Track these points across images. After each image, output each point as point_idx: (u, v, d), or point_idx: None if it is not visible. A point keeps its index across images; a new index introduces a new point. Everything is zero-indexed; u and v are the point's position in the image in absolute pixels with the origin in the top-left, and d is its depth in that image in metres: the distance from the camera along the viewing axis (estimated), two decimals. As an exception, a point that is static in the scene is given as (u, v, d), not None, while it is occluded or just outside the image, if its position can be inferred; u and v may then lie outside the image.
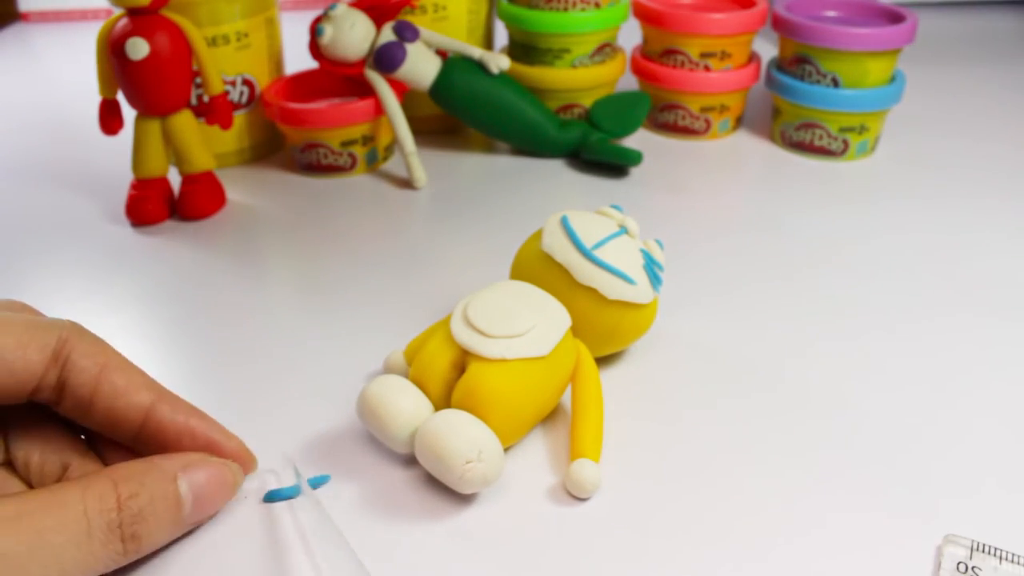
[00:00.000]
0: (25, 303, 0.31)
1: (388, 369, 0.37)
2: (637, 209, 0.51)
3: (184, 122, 0.50)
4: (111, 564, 0.26)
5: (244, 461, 0.31)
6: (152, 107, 0.49)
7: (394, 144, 0.59)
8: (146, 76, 0.47)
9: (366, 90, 0.56)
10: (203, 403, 0.36)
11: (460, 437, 0.30)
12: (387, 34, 0.54)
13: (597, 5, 0.58)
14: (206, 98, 0.50)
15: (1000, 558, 0.29)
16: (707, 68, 0.59)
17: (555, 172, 0.57)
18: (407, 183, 0.55)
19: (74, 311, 0.42)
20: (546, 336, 0.33)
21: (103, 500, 0.26)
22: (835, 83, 0.56)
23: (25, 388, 0.28)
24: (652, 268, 0.36)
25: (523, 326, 0.32)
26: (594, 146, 0.57)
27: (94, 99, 0.51)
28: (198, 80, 0.53)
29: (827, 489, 0.32)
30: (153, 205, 0.50)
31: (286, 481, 0.32)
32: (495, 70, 0.55)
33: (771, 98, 0.61)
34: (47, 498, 0.25)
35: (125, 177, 0.52)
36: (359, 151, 0.56)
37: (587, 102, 0.60)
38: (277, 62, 0.58)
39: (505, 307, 0.33)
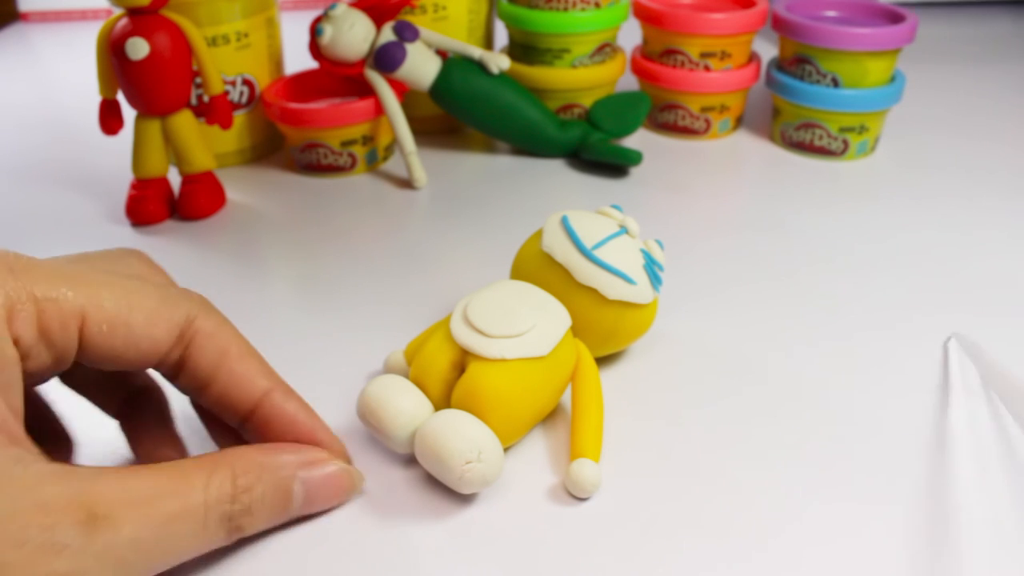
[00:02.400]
0: (148, 257, 0.31)
1: (388, 369, 0.37)
2: (637, 209, 0.51)
3: (184, 122, 0.50)
4: (209, 548, 0.27)
5: (349, 478, 0.31)
6: (152, 107, 0.49)
7: (394, 144, 0.59)
8: (146, 76, 0.47)
9: (366, 90, 0.56)
10: (203, 403, 0.36)
11: (460, 437, 0.30)
12: (387, 34, 0.54)
13: (597, 5, 0.58)
14: (206, 98, 0.50)
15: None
16: (707, 68, 0.59)
17: (555, 172, 0.57)
18: (407, 183, 0.55)
19: (74, 311, 0.42)
20: (546, 336, 0.33)
21: (221, 489, 0.26)
22: (835, 83, 0.56)
23: (146, 364, 0.28)
24: (652, 268, 0.36)
25: (523, 326, 0.32)
26: (594, 146, 0.57)
27: (94, 99, 0.51)
28: (198, 80, 0.53)
29: (828, 489, 0.32)
30: (153, 205, 0.50)
31: None
32: (495, 70, 0.55)
33: (771, 98, 0.61)
34: (174, 481, 0.25)
35: (125, 177, 0.52)
36: (359, 151, 0.56)
37: (587, 102, 0.60)
38: (277, 62, 0.58)
39: (505, 307, 0.33)
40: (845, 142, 0.58)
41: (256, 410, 0.29)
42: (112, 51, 0.47)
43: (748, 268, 0.46)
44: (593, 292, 0.35)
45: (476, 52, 0.55)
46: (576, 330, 0.35)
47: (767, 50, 0.68)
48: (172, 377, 0.29)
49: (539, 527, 0.30)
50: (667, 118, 0.62)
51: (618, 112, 0.59)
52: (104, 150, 0.58)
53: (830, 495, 0.31)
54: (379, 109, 0.54)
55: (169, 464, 0.26)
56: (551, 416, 0.35)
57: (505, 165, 0.58)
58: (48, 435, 0.31)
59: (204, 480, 0.26)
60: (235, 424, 0.30)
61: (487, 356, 0.32)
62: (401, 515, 0.31)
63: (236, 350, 0.29)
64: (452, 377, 0.33)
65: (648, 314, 0.37)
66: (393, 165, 0.58)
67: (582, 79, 0.59)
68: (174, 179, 0.52)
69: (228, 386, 0.29)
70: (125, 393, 0.32)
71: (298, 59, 0.60)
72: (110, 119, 0.51)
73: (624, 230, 0.37)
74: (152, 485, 0.25)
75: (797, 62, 0.57)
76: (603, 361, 0.38)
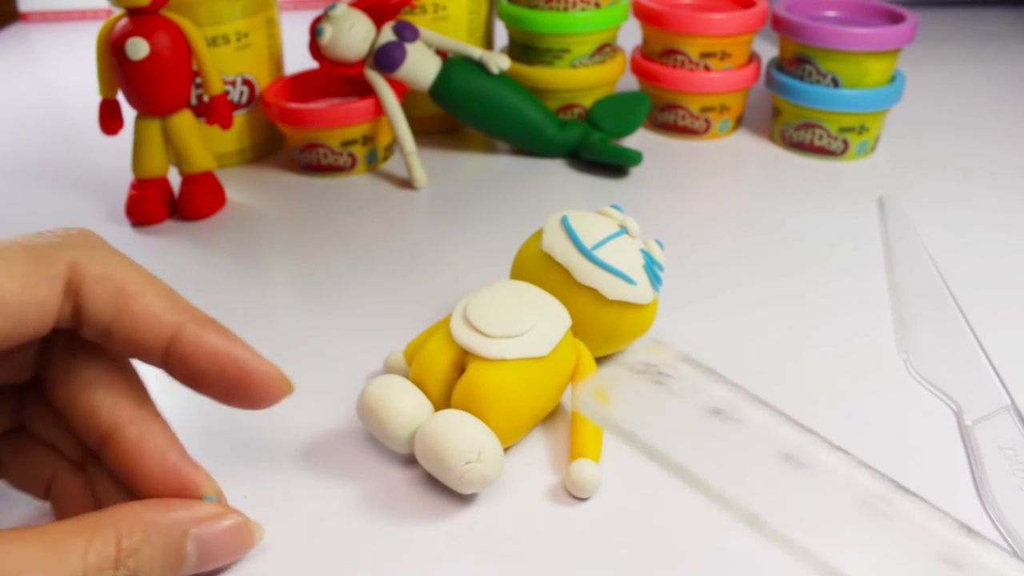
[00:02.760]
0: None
1: (388, 369, 0.37)
2: (637, 209, 0.51)
3: (184, 122, 0.50)
4: None
5: (278, 387, 0.28)
6: (152, 107, 0.49)
7: (394, 144, 0.59)
8: (146, 76, 0.47)
9: (366, 90, 0.56)
10: (203, 402, 0.36)
11: (460, 437, 0.30)
12: (387, 34, 0.54)
13: (597, 5, 0.58)
14: (206, 98, 0.50)
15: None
16: (707, 68, 0.59)
17: (555, 172, 0.57)
18: (407, 183, 0.55)
19: (74, 311, 0.42)
20: (546, 336, 0.33)
21: (103, 554, 0.24)
22: (835, 83, 0.56)
23: (41, 331, 0.25)
24: (652, 268, 0.36)
25: (523, 326, 0.32)
26: (594, 146, 0.57)
27: (94, 99, 0.51)
28: (198, 80, 0.53)
29: (828, 489, 0.32)
30: (153, 205, 0.50)
31: None
32: (495, 70, 0.55)
33: (771, 98, 0.61)
34: (47, 550, 0.23)
35: (125, 177, 0.52)
36: (359, 151, 0.56)
37: (587, 102, 0.60)
38: (277, 62, 0.58)
39: (505, 307, 0.33)
40: (845, 142, 0.58)
41: (171, 348, 0.26)
42: (112, 51, 0.47)
43: (748, 268, 0.46)
44: (593, 292, 0.35)
45: (476, 52, 0.55)
46: (576, 330, 0.35)
47: (767, 50, 0.68)
48: (77, 329, 0.26)
49: (539, 527, 0.30)
50: (667, 118, 0.62)
51: (618, 112, 0.59)
52: (104, 150, 0.58)
53: (830, 495, 0.31)
54: (379, 109, 0.54)
55: (43, 528, 0.23)
56: (551, 416, 0.35)
57: (505, 165, 0.58)
58: None
59: (83, 546, 0.23)
60: (158, 367, 0.27)
61: (487, 356, 0.32)
62: (401, 515, 0.31)
63: (133, 287, 0.26)
64: (452, 377, 0.33)
65: (648, 314, 0.37)
66: (393, 165, 0.58)
67: (582, 79, 0.59)
68: (174, 179, 0.52)
69: (133, 328, 0.26)
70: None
71: (298, 59, 0.60)
72: (110, 119, 0.51)
73: (624, 230, 0.37)
74: (20, 556, 0.22)
75: (797, 62, 0.57)
76: (603, 361, 0.38)
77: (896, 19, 0.57)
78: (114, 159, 0.57)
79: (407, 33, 0.54)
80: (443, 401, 0.32)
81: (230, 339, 0.27)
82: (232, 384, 0.28)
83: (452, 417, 0.30)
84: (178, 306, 0.27)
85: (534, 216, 0.51)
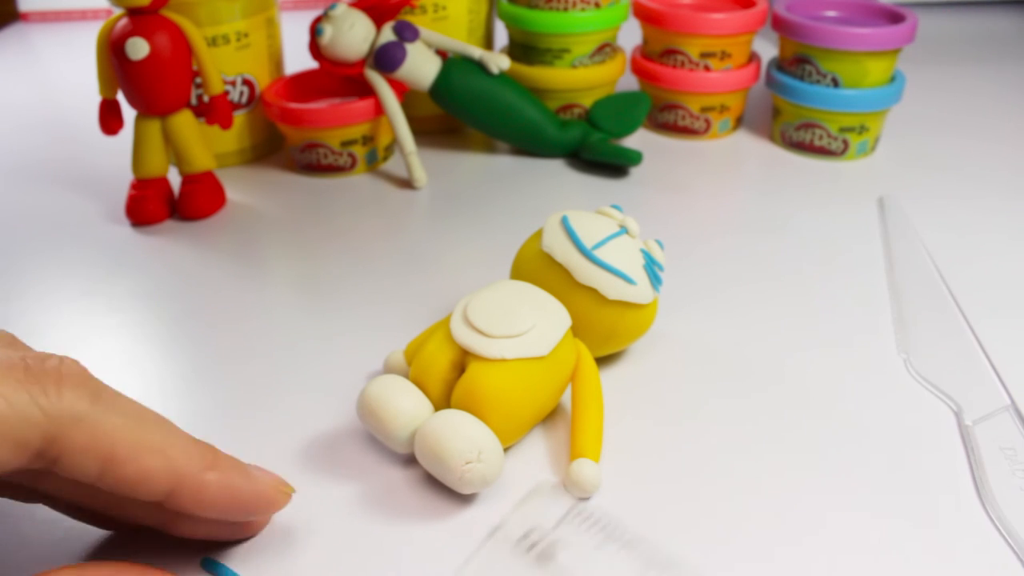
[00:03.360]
0: (14, 338, 0.26)
1: (388, 369, 0.37)
2: (637, 209, 0.51)
3: (184, 122, 0.50)
4: None
5: (277, 501, 0.28)
6: (152, 107, 0.49)
7: (394, 144, 0.59)
8: (146, 76, 0.47)
9: (366, 90, 0.56)
10: (202, 403, 0.37)
11: (460, 437, 0.30)
12: (387, 34, 0.54)
13: (597, 5, 0.58)
14: (206, 98, 0.50)
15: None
16: (707, 68, 0.59)
17: (555, 172, 0.57)
18: (407, 183, 0.55)
19: (74, 311, 0.42)
20: (546, 336, 0.33)
21: None
22: (835, 83, 0.56)
23: None
24: (652, 268, 0.36)
25: (523, 326, 0.32)
26: (594, 146, 0.57)
27: (94, 99, 0.51)
28: (198, 80, 0.53)
29: (828, 489, 0.32)
30: (153, 205, 0.50)
31: None
32: (495, 70, 0.55)
33: (771, 98, 0.61)
34: None
35: (125, 177, 0.52)
36: (359, 151, 0.56)
37: (587, 102, 0.60)
38: (277, 62, 0.58)
39: (505, 307, 0.33)
40: (845, 142, 0.58)
41: (169, 500, 0.25)
42: (112, 51, 0.47)
43: (748, 268, 0.46)
44: (593, 292, 0.35)
45: (476, 52, 0.55)
46: (576, 330, 0.35)
47: (767, 50, 0.68)
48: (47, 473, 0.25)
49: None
50: (667, 118, 0.62)
51: (618, 112, 0.59)
52: (104, 150, 0.58)
53: (831, 496, 0.31)
54: (379, 109, 0.54)
55: None
56: (551, 416, 0.35)
57: (505, 165, 0.58)
58: None
59: None
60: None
61: (487, 356, 0.32)
62: (401, 515, 0.31)
63: (124, 451, 0.24)
64: (452, 377, 0.33)
65: (648, 314, 0.37)
66: (393, 165, 0.58)
67: (582, 79, 0.59)
68: (174, 179, 0.52)
69: (126, 488, 0.24)
70: None
71: (298, 59, 0.60)
72: (110, 119, 0.51)
73: (624, 230, 0.37)
74: None
75: (797, 62, 0.57)
76: (603, 361, 0.38)
77: (896, 19, 0.57)
78: (114, 159, 0.57)
79: (407, 33, 0.54)
80: (443, 401, 0.32)
81: (227, 475, 0.26)
82: (235, 517, 0.28)
83: (452, 417, 0.30)
84: (174, 462, 0.25)
85: (534, 216, 0.51)
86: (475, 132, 0.62)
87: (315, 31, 0.54)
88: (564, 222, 0.36)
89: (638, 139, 0.62)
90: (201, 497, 0.26)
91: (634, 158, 0.55)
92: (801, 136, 0.59)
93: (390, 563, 0.29)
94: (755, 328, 0.41)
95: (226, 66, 0.54)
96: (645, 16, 0.60)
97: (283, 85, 0.57)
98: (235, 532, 0.29)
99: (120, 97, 0.50)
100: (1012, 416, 0.35)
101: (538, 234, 0.37)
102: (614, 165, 0.57)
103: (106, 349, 0.40)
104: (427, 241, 0.49)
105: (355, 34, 0.53)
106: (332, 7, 0.53)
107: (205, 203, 0.51)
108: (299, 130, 0.54)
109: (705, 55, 0.59)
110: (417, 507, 0.31)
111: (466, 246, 0.48)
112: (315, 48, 0.54)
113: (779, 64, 0.60)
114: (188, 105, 0.50)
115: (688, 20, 0.58)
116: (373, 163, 0.57)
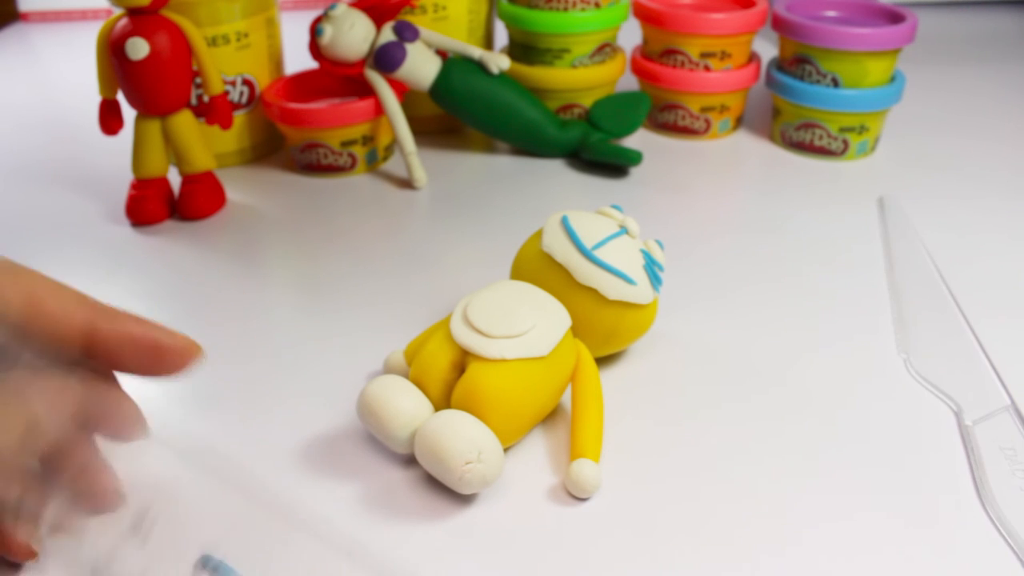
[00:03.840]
0: None
1: (388, 369, 0.37)
2: (637, 209, 0.51)
3: (184, 122, 0.50)
4: None
5: (190, 353, 0.29)
6: (152, 107, 0.49)
7: (394, 144, 0.59)
8: (146, 76, 0.47)
9: (366, 90, 0.56)
10: (202, 403, 0.37)
11: (460, 437, 0.30)
12: (387, 34, 0.54)
13: (597, 5, 0.58)
14: (206, 98, 0.50)
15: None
16: (707, 68, 0.59)
17: (555, 172, 0.57)
18: (407, 183, 0.55)
19: (74, 311, 0.42)
20: (546, 336, 0.33)
21: None
22: (835, 83, 0.56)
23: None
24: (652, 268, 0.36)
25: (523, 326, 0.32)
26: (594, 146, 0.57)
27: (94, 99, 0.51)
28: (198, 80, 0.53)
29: (828, 489, 0.32)
30: (153, 205, 0.50)
31: None
32: (495, 70, 0.55)
33: (771, 98, 0.61)
34: None
35: (125, 177, 0.52)
36: (359, 151, 0.56)
37: (587, 102, 0.60)
38: (277, 62, 0.58)
39: (505, 307, 0.33)
40: (845, 142, 0.58)
41: (92, 338, 0.28)
42: (112, 51, 0.47)
43: (748, 268, 0.46)
44: (593, 292, 0.35)
45: (476, 52, 0.55)
46: (576, 330, 0.35)
47: (767, 50, 0.67)
48: None
49: (539, 527, 0.30)
50: (667, 118, 0.62)
51: (618, 112, 0.59)
52: (104, 150, 0.58)
53: (831, 496, 0.31)
54: (379, 109, 0.54)
55: None
56: (551, 416, 0.35)
57: (505, 165, 0.58)
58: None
59: None
60: (78, 360, 0.28)
61: (487, 356, 0.32)
62: (401, 515, 0.31)
63: (43, 291, 0.28)
64: (452, 377, 0.33)
65: (648, 314, 0.37)
66: (393, 165, 0.58)
67: (582, 79, 0.59)
68: (174, 179, 0.52)
69: (49, 325, 0.27)
70: None
71: (298, 59, 0.60)
72: (110, 119, 0.51)
73: (624, 230, 0.37)
74: None
75: (797, 62, 0.57)
76: (603, 361, 0.38)
77: (896, 19, 0.57)
78: (114, 159, 0.57)
79: (407, 33, 0.54)
80: (443, 401, 0.32)
81: (143, 323, 0.29)
82: (150, 359, 0.29)
83: (452, 417, 0.30)
84: (89, 303, 0.29)
85: (534, 216, 0.51)
86: (475, 132, 0.62)
87: (315, 31, 0.54)
88: (564, 222, 0.36)
89: (638, 139, 0.62)
90: (118, 332, 0.28)
91: (634, 158, 0.55)
92: (801, 136, 0.59)
93: (390, 563, 0.29)
94: (755, 328, 0.41)
95: (226, 66, 0.54)
96: (645, 16, 0.60)
97: (283, 85, 0.57)
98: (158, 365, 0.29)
99: (120, 97, 0.50)
100: (1012, 416, 0.35)
101: (538, 234, 0.37)
102: (614, 165, 0.57)
103: (106, 349, 0.40)
104: (427, 241, 0.49)
105: (355, 34, 0.53)
106: (332, 7, 0.53)
107: (205, 203, 0.51)
108: (299, 130, 0.54)
109: (705, 55, 0.59)
110: (417, 507, 0.31)
111: (466, 246, 0.48)
112: (315, 48, 0.54)
113: (779, 64, 0.60)
114: (188, 105, 0.50)
115: (688, 20, 0.58)
116: (373, 163, 0.57)
